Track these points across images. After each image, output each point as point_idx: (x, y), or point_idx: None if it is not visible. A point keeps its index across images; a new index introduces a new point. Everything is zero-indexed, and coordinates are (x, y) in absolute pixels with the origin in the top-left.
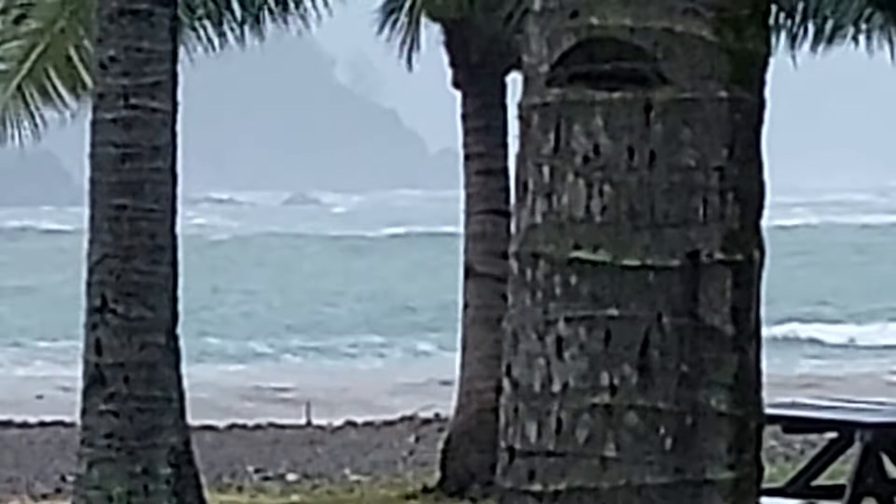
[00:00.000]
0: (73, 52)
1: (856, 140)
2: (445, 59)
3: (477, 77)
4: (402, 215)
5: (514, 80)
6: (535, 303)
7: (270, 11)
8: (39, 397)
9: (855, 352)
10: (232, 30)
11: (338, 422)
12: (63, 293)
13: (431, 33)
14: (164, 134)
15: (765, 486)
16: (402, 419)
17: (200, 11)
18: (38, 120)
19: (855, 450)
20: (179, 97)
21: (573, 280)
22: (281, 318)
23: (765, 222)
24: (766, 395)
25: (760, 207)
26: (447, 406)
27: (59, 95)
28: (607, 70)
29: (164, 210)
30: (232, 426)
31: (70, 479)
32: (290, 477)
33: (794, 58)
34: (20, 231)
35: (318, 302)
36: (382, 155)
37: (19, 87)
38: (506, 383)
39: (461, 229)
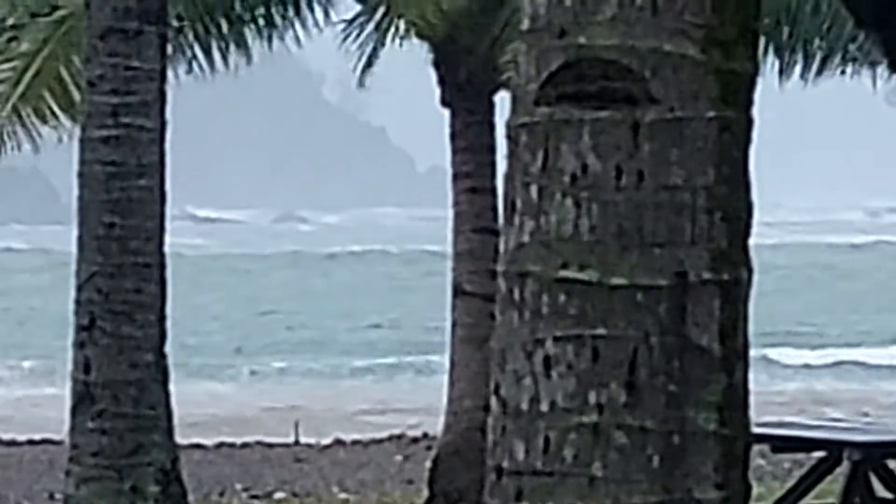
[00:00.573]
0: (64, 73)
1: (839, 157)
2: (434, 77)
3: (465, 95)
4: (388, 234)
5: (503, 99)
6: (522, 322)
7: (259, 32)
8: None
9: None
10: (219, 49)
11: (326, 440)
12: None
13: (420, 52)
14: (152, 152)
15: None
16: (391, 437)
17: (188, 31)
18: (33, 139)
19: (843, 469)
20: (167, 115)
21: (561, 299)
22: (260, 336)
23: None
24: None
25: (748, 227)
26: (435, 424)
27: (55, 115)
28: (595, 89)
29: (153, 228)
30: (220, 444)
31: (58, 497)
32: (279, 495)
33: (780, 81)
34: None
35: (290, 321)
36: (371, 173)
37: (15, 108)
38: (494, 402)
39: (448, 248)
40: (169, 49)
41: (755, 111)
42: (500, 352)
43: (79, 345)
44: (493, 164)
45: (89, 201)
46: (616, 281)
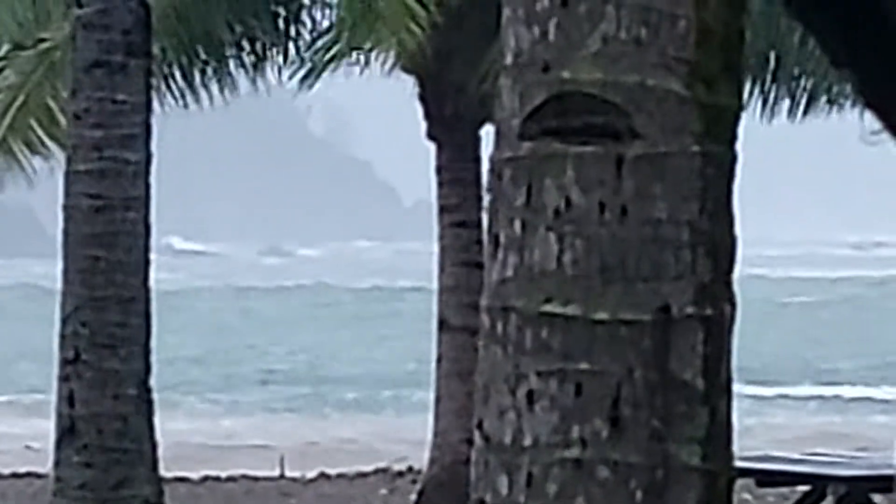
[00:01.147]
0: (51, 103)
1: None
2: (420, 111)
3: (451, 129)
4: (371, 268)
5: (489, 133)
6: (506, 356)
7: (241, 64)
8: None
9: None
10: (202, 82)
11: (311, 473)
12: None
13: (406, 85)
14: (137, 185)
15: None
16: (376, 471)
17: (171, 64)
18: (23, 171)
19: (828, 502)
20: (153, 148)
21: (544, 334)
22: (242, 370)
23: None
24: None
25: (732, 261)
26: (420, 458)
27: (45, 146)
28: (579, 124)
29: (137, 262)
30: (205, 478)
31: None
32: None
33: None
34: None
35: (271, 356)
36: (356, 207)
37: (4, 140)
38: (477, 437)
39: (434, 282)
40: (153, 82)
41: (739, 146)
42: (484, 386)
43: (63, 378)
44: (478, 198)
45: (74, 234)
46: (599, 316)
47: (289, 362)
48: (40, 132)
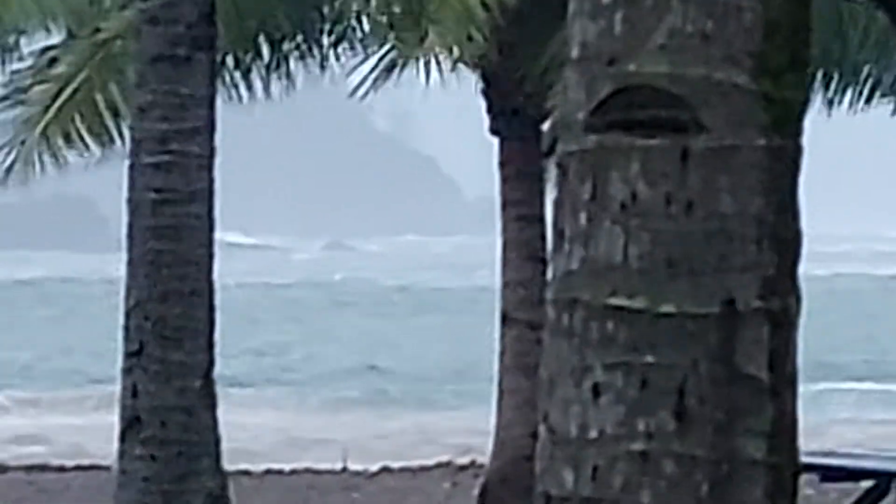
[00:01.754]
0: (99, 98)
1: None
2: (483, 105)
3: (514, 124)
4: (432, 262)
5: None
6: (571, 349)
7: (301, 57)
8: None
9: None
10: (259, 75)
11: (374, 467)
12: None
13: (470, 80)
14: (201, 179)
15: None
16: (439, 465)
17: (229, 57)
18: (65, 162)
19: (891, 499)
20: (217, 142)
21: (610, 327)
22: (304, 364)
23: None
24: None
25: (797, 255)
26: (484, 452)
27: (83, 140)
28: (645, 117)
29: (202, 255)
30: (268, 471)
31: None
32: None
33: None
34: None
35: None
36: (420, 202)
37: (44, 132)
38: (542, 429)
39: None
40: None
41: (805, 139)
42: (549, 379)
43: (127, 371)
44: (541, 192)
45: (139, 228)
46: (665, 309)
47: (350, 356)
48: (80, 126)
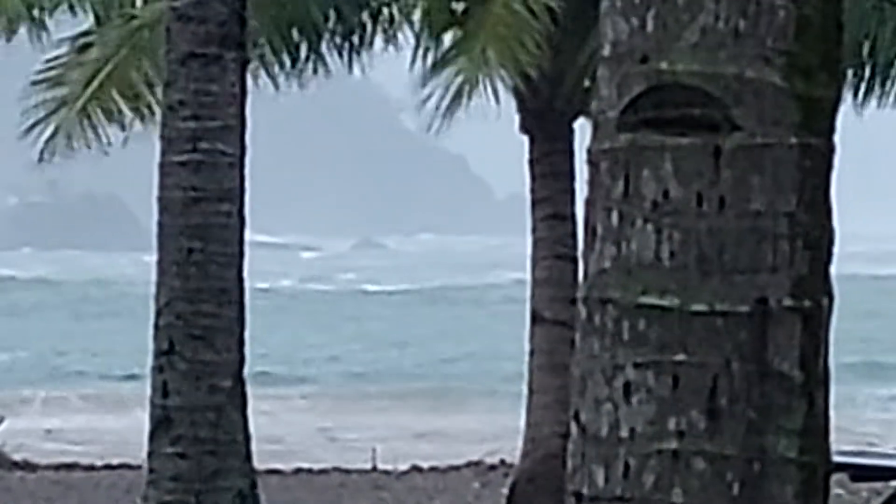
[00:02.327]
0: (134, 75)
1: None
2: (513, 104)
3: (545, 122)
4: (463, 261)
5: (582, 126)
6: (603, 348)
7: (338, 47)
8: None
9: None
10: (293, 63)
11: (403, 466)
12: None
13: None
14: (231, 178)
15: None
16: (468, 464)
17: (264, 47)
18: (105, 137)
19: None
20: (247, 141)
21: (641, 325)
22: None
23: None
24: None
25: (829, 254)
26: (513, 452)
27: (121, 113)
28: (677, 115)
29: (232, 254)
30: (298, 470)
31: None
32: None
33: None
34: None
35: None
36: (449, 200)
37: (84, 109)
38: (573, 427)
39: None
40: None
41: (837, 138)
42: (580, 377)
43: (157, 369)
44: (572, 191)
45: (169, 226)
46: (697, 307)
47: (379, 357)
48: (120, 102)
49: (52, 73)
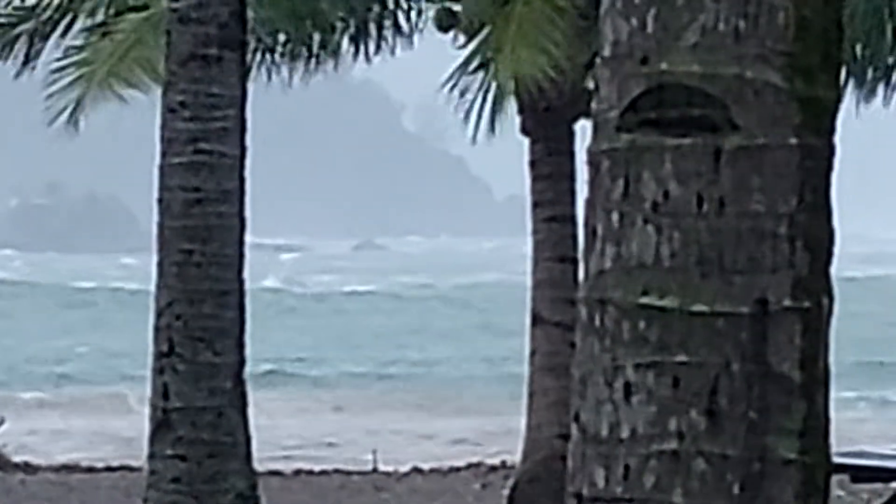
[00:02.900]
0: (153, 53)
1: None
2: (514, 105)
3: (545, 123)
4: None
5: (583, 127)
6: (603, 348)
7: (352, 39)
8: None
9: None
10: (307, 51)
11: (404, 468)
12: None
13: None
14: (232, 179)
15: None
16: (469, 466)
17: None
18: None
19: None
20: (247, 142)
21: (641, 326)
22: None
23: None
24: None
25: (830, 254)
26: (514, 453)
27: (142, 81)
28: (677, 116)
29: (232, 255)
30: (298, 472)
31: None
32: None
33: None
34: None
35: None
36: (449, 201)
37: (105, 80)
38: (574, 429)
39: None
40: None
41: (837, 139)
42: (581, 378)
43: (158, 371)
44: (572, 193)
45: (169, 228)
46: (697, 308)
47: (382, 358)
48: (141, 73)
49: (74, 58)
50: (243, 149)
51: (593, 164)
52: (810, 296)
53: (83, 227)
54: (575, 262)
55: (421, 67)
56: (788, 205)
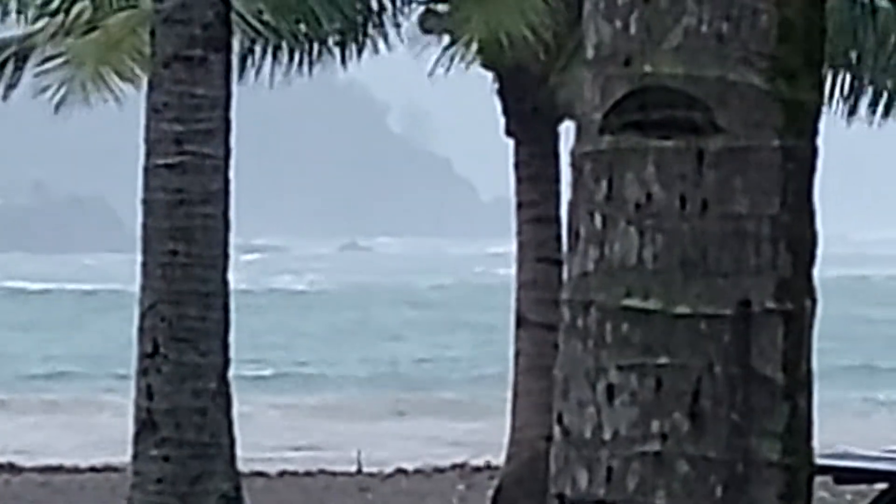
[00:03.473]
0: (140, 43)
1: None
2: (499, 107)
3: (530, 125)
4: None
5: (567, 129)
6: (586, 350)
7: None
8: None
9: None
10: (292, 49)
11: (388, 469)
12: None
13: (486, 82)
14: (216, 180)
15: None
16: (453, 467)
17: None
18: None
19: None
20: (232, 144)
21: (624, 328)
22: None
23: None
24: None
25: (813, 256)
26: (498, 454)
27: (134, 73)
28: (660, 118)
29: (217, 256)
30: (283, 472)
31: None
32: None
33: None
34: None
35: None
36: (435, 203)
37: (96, 70)
38: (556, 430)
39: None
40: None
41: (820, 141)
42: (563, 380)
43: (142, 372)
44: (557, 194)
45: (153, 229)
46: (680, 310)
47: (366, 361)
48: (132, 64)
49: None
50: (228, 150)
51: (576, 166)
52: (793, 298)
53: (68, 227)
54: (559, 263)
55: (406, 69)
56: (771, 207)
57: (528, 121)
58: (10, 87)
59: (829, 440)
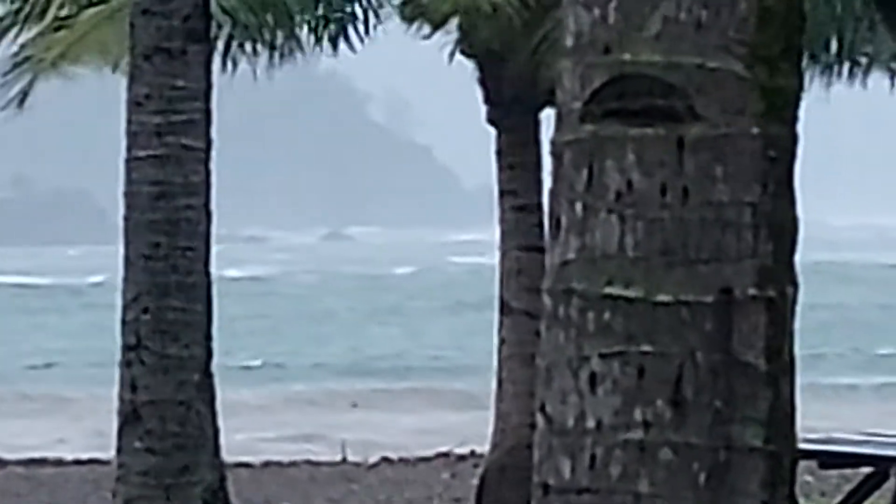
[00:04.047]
0: (106, 37)
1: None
2: (480, 95)
3: (511, 113)
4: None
5: (549, 117)
6: (568, 339)
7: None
8: None
9: None
10: (264, 41)
11: (373, 458)
12: None
13: (466, 70)
14: (198, 171)
15: None
16: (438, 455)
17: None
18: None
19: (890, 484)
20: (213, 135)
21: (606, 316)
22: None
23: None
24: None
25: (794, 243)
26: (483, 442)
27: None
28: (640, 106)
29: (199, 248)
30: (267, 463)
31: None
32: None
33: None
34: None
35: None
36: (417, 192)
37: (57, 63)
38: (539, 419)
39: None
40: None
41: (800, 127)
42: (546, 369)
43: (125, 364)
44: (539, 182)
45: (135, 221)
46: (661, 297)
47: (350, 350)
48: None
49: (29, 51)
50: (209, 141)
51: (557, 154)
52: (775, 284)
53: (50, 220)
54: (542, 251)
55: (386, 58)
56: (752, 194)
57: (509, 109)
58: None
59: (812, 425)
